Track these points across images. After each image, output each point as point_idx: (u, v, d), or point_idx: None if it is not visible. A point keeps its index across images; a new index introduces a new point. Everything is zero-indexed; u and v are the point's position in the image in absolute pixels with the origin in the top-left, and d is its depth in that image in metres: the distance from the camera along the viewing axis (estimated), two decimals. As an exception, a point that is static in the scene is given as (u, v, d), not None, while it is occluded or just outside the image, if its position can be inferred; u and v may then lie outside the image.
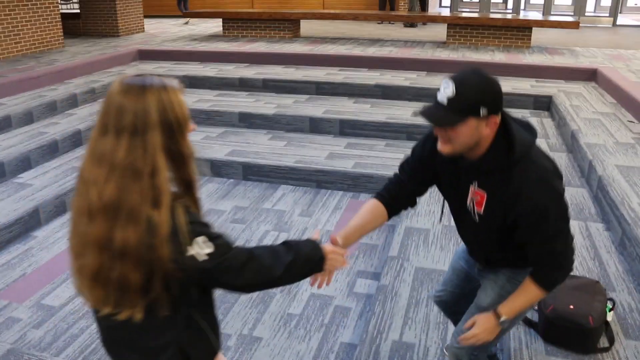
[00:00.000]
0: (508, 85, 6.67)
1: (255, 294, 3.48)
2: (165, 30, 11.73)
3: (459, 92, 1.60)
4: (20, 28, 8.55)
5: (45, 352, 3.03)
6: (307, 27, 12.05)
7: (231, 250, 1.44)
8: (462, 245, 2.22)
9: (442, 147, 1.71)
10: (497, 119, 1.66)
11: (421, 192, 2.03)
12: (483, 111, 1.61)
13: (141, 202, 1.30)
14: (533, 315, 2.62)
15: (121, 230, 1.30)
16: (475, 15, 9.51)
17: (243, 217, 4.54)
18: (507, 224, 1.75)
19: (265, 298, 3.45)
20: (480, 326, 1.88)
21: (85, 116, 6.26)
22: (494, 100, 1.64)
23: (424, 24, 12.92)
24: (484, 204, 1.77)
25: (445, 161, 1.83)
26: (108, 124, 1.31)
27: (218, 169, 5.37)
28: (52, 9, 9.14)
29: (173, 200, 1.37)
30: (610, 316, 2.56)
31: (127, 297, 1.37)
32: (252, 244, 4.10)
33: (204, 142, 5.80)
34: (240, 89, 7.41)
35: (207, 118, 6.46)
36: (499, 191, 1.72)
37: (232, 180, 5.33)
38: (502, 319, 1.84)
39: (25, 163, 5.16)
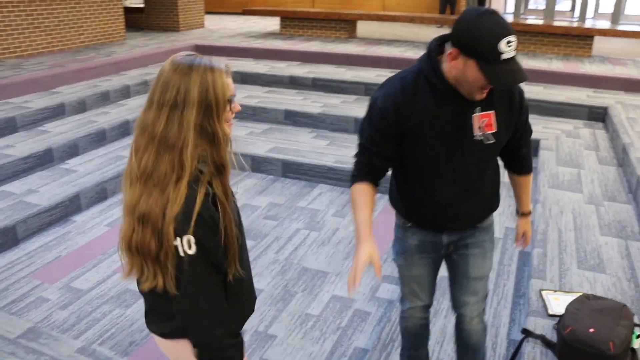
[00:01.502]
0: (562, 94, 6.41)
1: (277, 291, 3.46)
2: (224, 27, 11.92)
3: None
4: (84, 20, 8.86)
5: (67, 334, 3.11)
6: (364, 28, 12.00)
7: (207, 272, 1.43)
8: (410, 245, 2.13)
9: (483, 94, 1.76)
10: None
11: (394, 160, 1.95)
12: None
13: (169, 174, 1.37)
14: (553, 336, 2.49)
15: (147, 196, 1.38)
16: (538, 22, 9.20)
17: (276, 214, 4.54)
18: (515, 127, 1.94)
19: (285, 296, 3.43)
20: (529, 230, 2.31)
21: (136, 107, 6.42)
22: None
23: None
24: (494, 122, 1.85)
25: (433, 108, 1.80)
26: (154, 98, 1.39)
27: (258, 164, 5.39)
28: (115, 2, 9.43)
29: (202, 180, 1.40)
30: (637, 343, 2.40)
31: (149, 265, 1.42)
32: (282, 241, 4.09)
33: (247, 138, 5.84)
34: (289, 87, 7.43)
35: (254, 114, 6.51)
36: (504, 100, 1.86)
37: (271, 176, 5.34)
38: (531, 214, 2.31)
39: (73, 150, 5.33)
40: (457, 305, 2.24)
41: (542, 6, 13.27)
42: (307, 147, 5.59)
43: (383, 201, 4.79)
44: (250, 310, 1.72)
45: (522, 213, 2.28)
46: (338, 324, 3.18)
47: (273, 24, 12.41)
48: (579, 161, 4.80)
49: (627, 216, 3.77)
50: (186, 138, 1.37)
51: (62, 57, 7.91)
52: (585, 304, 2.47)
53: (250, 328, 3.13)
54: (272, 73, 7.54)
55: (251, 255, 3.90)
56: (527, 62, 7.83)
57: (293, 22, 10.30)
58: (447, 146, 1.84)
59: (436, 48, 1.79)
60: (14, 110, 5.77)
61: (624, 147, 4.69)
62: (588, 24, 9.15)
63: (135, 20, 11.42)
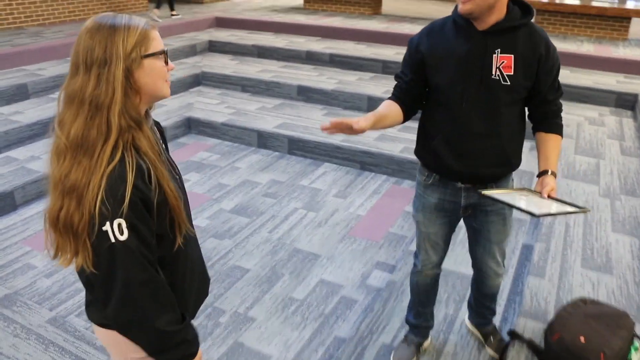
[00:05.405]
0: (589, 79, 6.09)
1: (264, 272, 3.33)
2: (249, 0, 11.73)
3: None
4: (106, -13, 8.77)
5: (47, 302, 3.03)
6: (389, 4, 11.68)
7: (140, 257, 1.30)
8: (430, 202, 2.20)
9: (463, 5, 1.87)
10: None
11: (423, 95, 2.14)
12: None
13: (98, 137, 1.28)
14: (542, 341, 2.31)
15: (77, 166, 1.28)
16: (571, 2, 8.77)
17: (276, 192, 4.40)
18: (537, 76, 1.98)
19: (272, 278, 3.29)
20: (554, 185, 1.97)
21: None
22: None
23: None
24: (512, 65, 1.94)
25: (457, 44, 1.98)
26: (78, 62, 1.29)
27: (264, 140, 5.24)
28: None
29: (126, 136, 1.30)
30: (636, 356, 2.20)
31: (71, 242, 1.31)
32: (277, 220, 3.95)
33: (257, 113, 5.69)
34: (306, 62, 7.23)
35: (267, 89, 6.35)
36: (527, 47, 1.94)
37: (277, 153, 5.19)
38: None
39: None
40: (480, 263, 2.32)
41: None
42: (315, 123, 5.42)
43: (388, 184, 4.61)
44: (204, 292, 1.62)
45: (551, 172, 2.00)
46: (322, 310, 3.03)
47: (300, -3, 12.16)
48: (600, 150, 4.53)
49: (643, 212, 3.52)
50: (115, 95, 1.27)
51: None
52: (579, 308, 2.28)
53: (230, 309, 3.01)
54: (289, 48, 7.35)
55: (243, 233, 3.77)
56: (556, 44, 7.47)
57: (318, -4, 10.07)
58: (464, 79, 1.97)
59: None
60: (26, 77, 5.74)
61: (648, 137, 4.42)
62: (630, 4, 8.66)
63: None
